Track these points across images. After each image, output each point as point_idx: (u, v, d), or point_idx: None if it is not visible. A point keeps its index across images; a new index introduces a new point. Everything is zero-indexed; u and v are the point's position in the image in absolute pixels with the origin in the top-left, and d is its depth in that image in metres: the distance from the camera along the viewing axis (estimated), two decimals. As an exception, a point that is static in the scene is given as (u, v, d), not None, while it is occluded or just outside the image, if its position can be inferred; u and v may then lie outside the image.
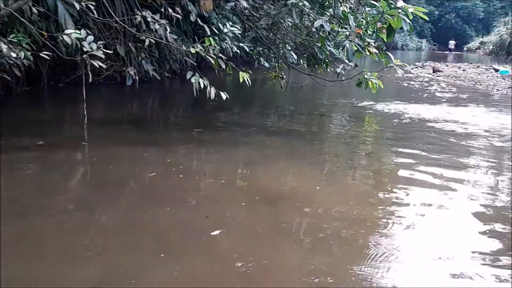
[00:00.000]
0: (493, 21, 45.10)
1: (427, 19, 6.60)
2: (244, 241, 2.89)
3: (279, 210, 3.39)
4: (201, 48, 4.81)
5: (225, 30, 4.91)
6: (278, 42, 8.77)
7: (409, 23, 6.20)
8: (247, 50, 7.14)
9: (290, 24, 6.63)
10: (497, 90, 11.35)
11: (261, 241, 2.89)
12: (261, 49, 9.88)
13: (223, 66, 5.03)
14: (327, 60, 8.33)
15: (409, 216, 3.31)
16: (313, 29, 7.05)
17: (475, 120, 7.06)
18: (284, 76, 11.29)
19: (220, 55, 5.05)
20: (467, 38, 54.24)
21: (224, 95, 4.86)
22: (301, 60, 9.32)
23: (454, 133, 6.12)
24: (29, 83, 7.91)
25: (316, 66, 8.71)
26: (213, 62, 4.86)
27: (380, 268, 2.55)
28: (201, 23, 5.25)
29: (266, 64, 10.11)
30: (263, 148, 5.14)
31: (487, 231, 3.09)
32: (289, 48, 8.73)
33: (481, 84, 12.37)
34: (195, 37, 5.72)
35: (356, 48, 7.20)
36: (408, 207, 3.49)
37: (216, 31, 5.11)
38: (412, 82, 12.88)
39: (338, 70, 8.89)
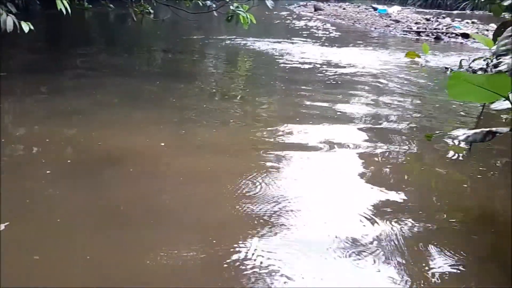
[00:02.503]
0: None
1: None
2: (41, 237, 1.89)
3: (98, 181, 2.41)
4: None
5: None
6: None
7: None
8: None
9: None
10: (375, 28, 11.10)
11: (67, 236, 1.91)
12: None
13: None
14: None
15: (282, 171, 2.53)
16: None
17: (352, 60, 6.48)
18: (152, 11, 9.90)
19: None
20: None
21: (26, 27, 3.56)
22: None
23: (329, 73, 5.46)
24: None
25: (182, -3, 7.56)
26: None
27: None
28: None
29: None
30: (100, 95, 3.99)
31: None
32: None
33: (359, 23, 12.08)
34: None
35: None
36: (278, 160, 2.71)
37: None
38: (292, 20, 12.21)
39: (208, 3, 7.85)
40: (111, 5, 10.79)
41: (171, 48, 7.09)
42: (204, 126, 3.40)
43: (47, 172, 2.48)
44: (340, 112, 3.87)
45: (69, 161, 2.67)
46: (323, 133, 3.30)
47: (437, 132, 3.21)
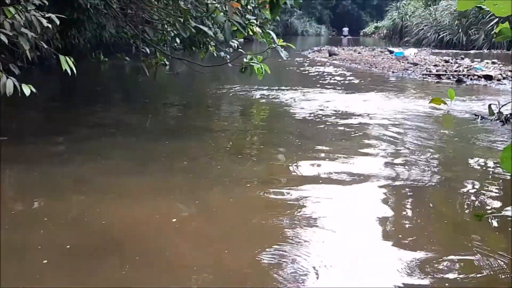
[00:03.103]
0: (386, 6, 46.94)
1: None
2: None
3: (100, 276, 2.06)
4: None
5: (24, -7, 3.38)
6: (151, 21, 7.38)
7: (293, -4, 5.22)
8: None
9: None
10: (393, 72, 10.87)
11: None
12: (134, 31, 8.46)
13: (27, 48, 3.50)
14: (206, 42, 7.10)
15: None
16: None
17: (370, 108, 6.17)
18: (167, 63, 9.84)
19: (26, 31, 3.52)
20: (363, 24, 56.17)
21: (27, 90, 3.35)
22: (176, 43, 8.02)
23: (347, 125, 5.14)
24: None
25: (194, 48, 7.46)
26: (4, 40, 3.31)
27: None
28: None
29: (146, 50, 8.68)
30: (105, 160, 3.69)
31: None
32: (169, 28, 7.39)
33: (376, 67, 11.87)
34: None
35: (235, 27, 6.03)
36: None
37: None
38: (307, 67, 12.07)
39: (223, 54, 7.73)
40: (127, 58, 10.84)
41: (184, 102, 6.91)
42: (219, 193, 3.08)
43: (44, 262, 2.17)
44: (359, 172, 3.52)
45: (68, 246, 2.33)
46: (343, 197, 3.01)
47: (488, 210, 2.80)
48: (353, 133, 4.76)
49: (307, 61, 13.83)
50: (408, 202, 3.02)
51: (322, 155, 3.93)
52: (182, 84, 7.97)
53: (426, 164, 3.73)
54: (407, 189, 3.19)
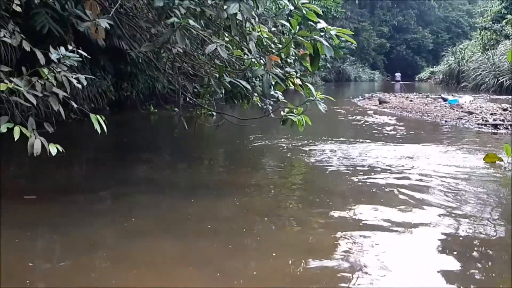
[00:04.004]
0: (442, 51, 46.09)
1: (355, 42, 5.50)
2: None
3: None
4: (18, 84, 3.31)
5: (55, 56, 3.41)
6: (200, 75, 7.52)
7: (332, 48, 5.09)
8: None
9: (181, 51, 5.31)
10: (445, 121, 10.35)
11: None
12: (184, 83, 8.62)
13: (56, 108, 3.54)
14: (247, 94, 7.08)
15: None
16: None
17: (418, 163, 5.78)
18: (214, 114, 9.93)
19: (57, 90, 3.58)
20: (418, 69, 55.34)
21: (54, 150, 3.35)
22: (221, 93, 8.07)
23: (390, 183, 4.79)
24: None
25: (236, 101, 7.46)
26: (33, 101, 3.35)
27: None
28: (30, 48, 3.76)
29: (193, 101, 8.80)
30: (129, 222, 3.55)
31: None
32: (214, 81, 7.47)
33: (428, 116, 11.38)
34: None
35: (275, 80, 5.96)
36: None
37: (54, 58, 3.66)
38: (354, 116, 11.76)
39: (265, 106, 7.68)
40: (176, 109, 11.05)
41: (219, 155, 6.86)
42: (245, 264, 2.89)
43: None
44: (404, 238, 3.22)
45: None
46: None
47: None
48: (396, 192, 4.40)
49: (356, 110, 13.53)
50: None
51: (363, 220, 3.63)
52: (222, 136, 7.90)
53: (479, 233, 3.37)
54: (455, 265, 2.85)
